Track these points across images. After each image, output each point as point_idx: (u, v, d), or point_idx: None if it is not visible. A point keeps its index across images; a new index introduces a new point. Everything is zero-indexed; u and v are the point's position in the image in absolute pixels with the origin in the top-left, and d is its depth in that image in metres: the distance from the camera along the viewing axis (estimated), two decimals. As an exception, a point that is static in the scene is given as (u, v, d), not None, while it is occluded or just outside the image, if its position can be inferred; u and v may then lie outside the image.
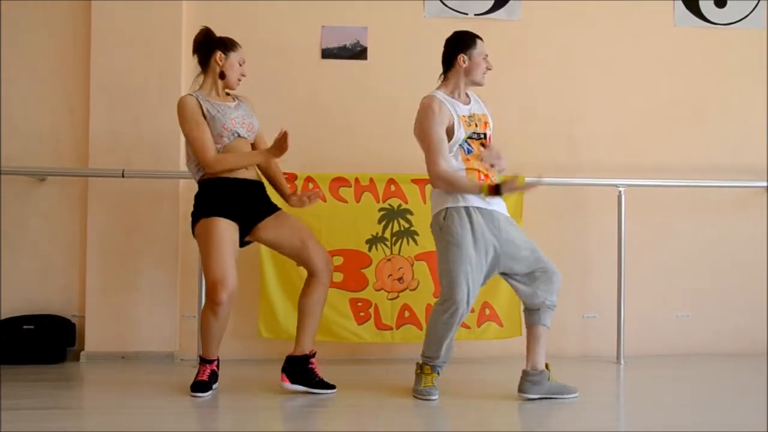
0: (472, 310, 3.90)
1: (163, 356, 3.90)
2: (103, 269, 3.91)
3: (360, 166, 3.98)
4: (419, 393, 3.16)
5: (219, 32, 4.11)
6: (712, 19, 4.34)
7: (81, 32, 3.99)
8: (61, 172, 3.95)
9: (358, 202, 3.90)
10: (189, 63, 4.01)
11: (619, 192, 3.99)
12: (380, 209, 3.91)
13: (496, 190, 3.07)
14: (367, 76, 4.13)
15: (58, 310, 3.94)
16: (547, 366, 3.16)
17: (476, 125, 3.21)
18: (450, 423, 2.92)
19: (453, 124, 3.14)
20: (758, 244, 4.31)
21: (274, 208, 3.29)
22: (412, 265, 3.90)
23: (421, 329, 3.88)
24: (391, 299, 3.90)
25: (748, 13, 4.34)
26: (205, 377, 3.18)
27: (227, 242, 3.06)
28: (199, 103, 3.15)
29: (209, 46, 3.24)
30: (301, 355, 3.21)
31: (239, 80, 3.27)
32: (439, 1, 4.19)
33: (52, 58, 4.02)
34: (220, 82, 3.23)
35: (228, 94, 3.30)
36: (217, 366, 3.27)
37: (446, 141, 3.13)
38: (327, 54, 4.13)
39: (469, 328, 3.93)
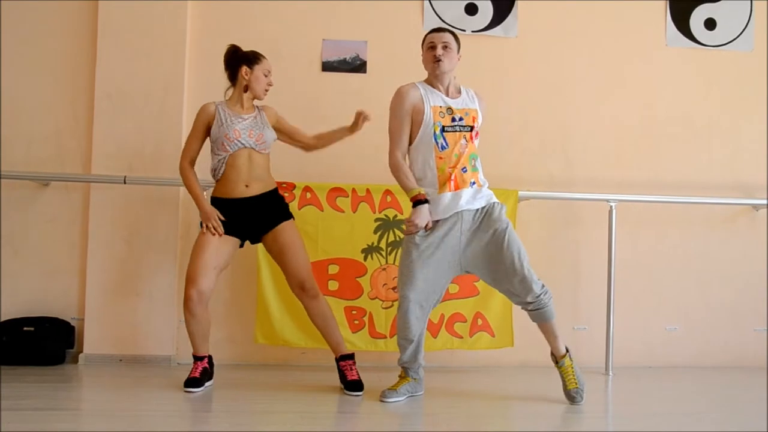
0: (464, 320, 3.98)
1: (160, 359, 3.95)
2: (103, 273, 3.96)
3: (357, 177, 4.05)
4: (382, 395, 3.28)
5: (222, 44, 4.18)
6: (702, 41, 4.44)
7: (86, 38, 4.04)
8: (64, 177, 4.00)
9: (354, 212, 3.96)
10: (193, 72, 4.09)
11: (611, 207, 4.07)
12: (376, 219, 3.97)
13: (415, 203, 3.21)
14: (366, 89, 4.19)
15: (58, 313, 3.98)
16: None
17: (455, 119, 3.18)
18: (441, 428, 2.97)
19: (423, 110, 3.19)
20: (746, 260, 4.39)
21: (275, 223, 3.41)
22: (407, 275, 3.96)
23: (415, 338, 3.95)
24: (386, 308, 3.96)
25: (737, 35, 4.45)
26: (197, 374, 3.37)
27: (208, 251, 3.32)
28: (218, 111, 3.38)
29: (236, 62, 3.45)
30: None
31: (266, 90, 3.47)
32: (438, 18, 4.28)
33: (57, 64, 4.06)
34: (245, 95, 3.44)
35: (254, 105, 3.49)
36: (210, 365, 3.43)
37: (404, 131, 3.22)
38: (327, 67, 4.21)
39: (461, 337, 3.98)
